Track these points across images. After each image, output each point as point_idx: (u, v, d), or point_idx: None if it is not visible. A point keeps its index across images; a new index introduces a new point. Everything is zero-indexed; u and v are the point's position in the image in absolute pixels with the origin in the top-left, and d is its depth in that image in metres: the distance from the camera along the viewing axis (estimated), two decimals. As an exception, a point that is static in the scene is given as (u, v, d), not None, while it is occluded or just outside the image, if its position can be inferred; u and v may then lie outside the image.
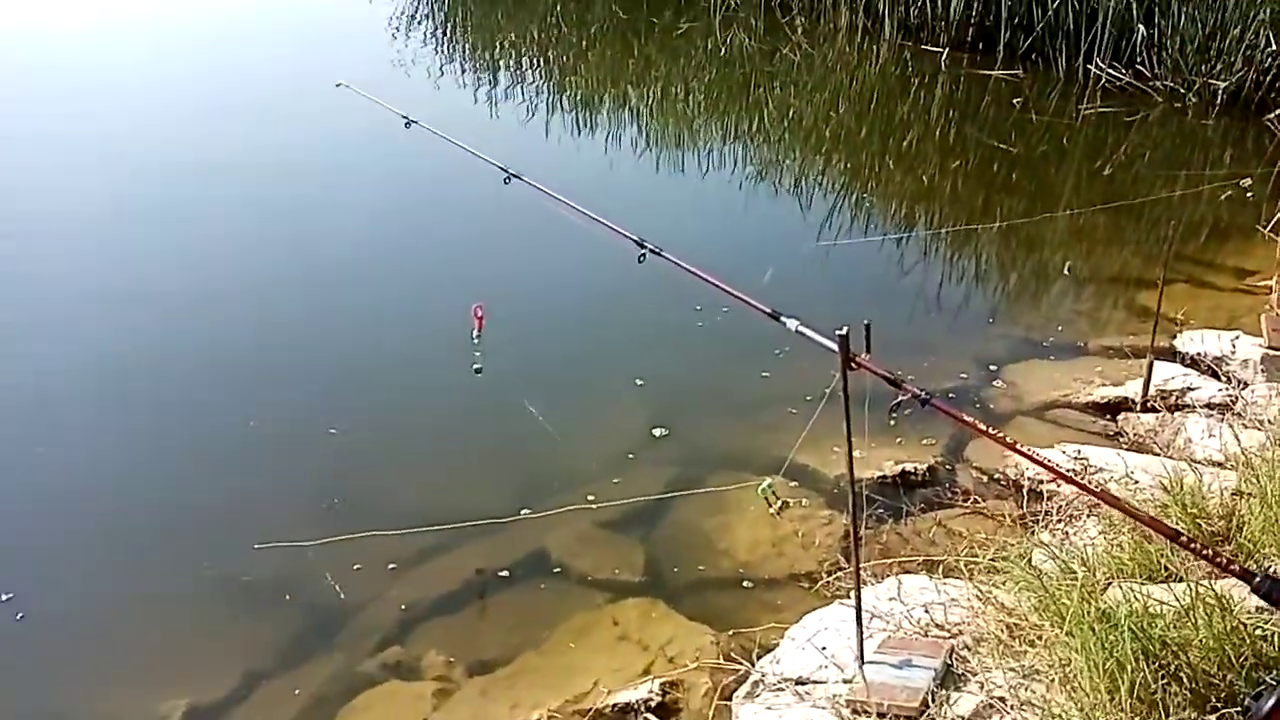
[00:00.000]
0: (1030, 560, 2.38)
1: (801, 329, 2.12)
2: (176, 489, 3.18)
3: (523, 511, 3.05)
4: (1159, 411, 3.48)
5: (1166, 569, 2.22)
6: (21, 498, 3.11)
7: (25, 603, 2.63)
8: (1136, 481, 2.79)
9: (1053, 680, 2.00)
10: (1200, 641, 1.88)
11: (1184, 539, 1.76)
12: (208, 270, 4.64)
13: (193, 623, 2.70)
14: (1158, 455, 3.06)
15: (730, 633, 2.57)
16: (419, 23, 10.39)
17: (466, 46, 9.89)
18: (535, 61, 9.34)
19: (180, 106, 7.10)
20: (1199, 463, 2.88)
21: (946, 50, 8.68)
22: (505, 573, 2.84)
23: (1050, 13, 8.20)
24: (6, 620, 2.59)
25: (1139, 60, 7.70)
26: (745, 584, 2.81)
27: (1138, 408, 3.54)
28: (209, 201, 5.41)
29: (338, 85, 3.59)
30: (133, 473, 3.25)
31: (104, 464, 3.27)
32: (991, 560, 2.48)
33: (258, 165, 6.01)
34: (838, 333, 2.00)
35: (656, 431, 3.47)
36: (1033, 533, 2.74)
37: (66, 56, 8.69)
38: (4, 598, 2.64)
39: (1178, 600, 1.96)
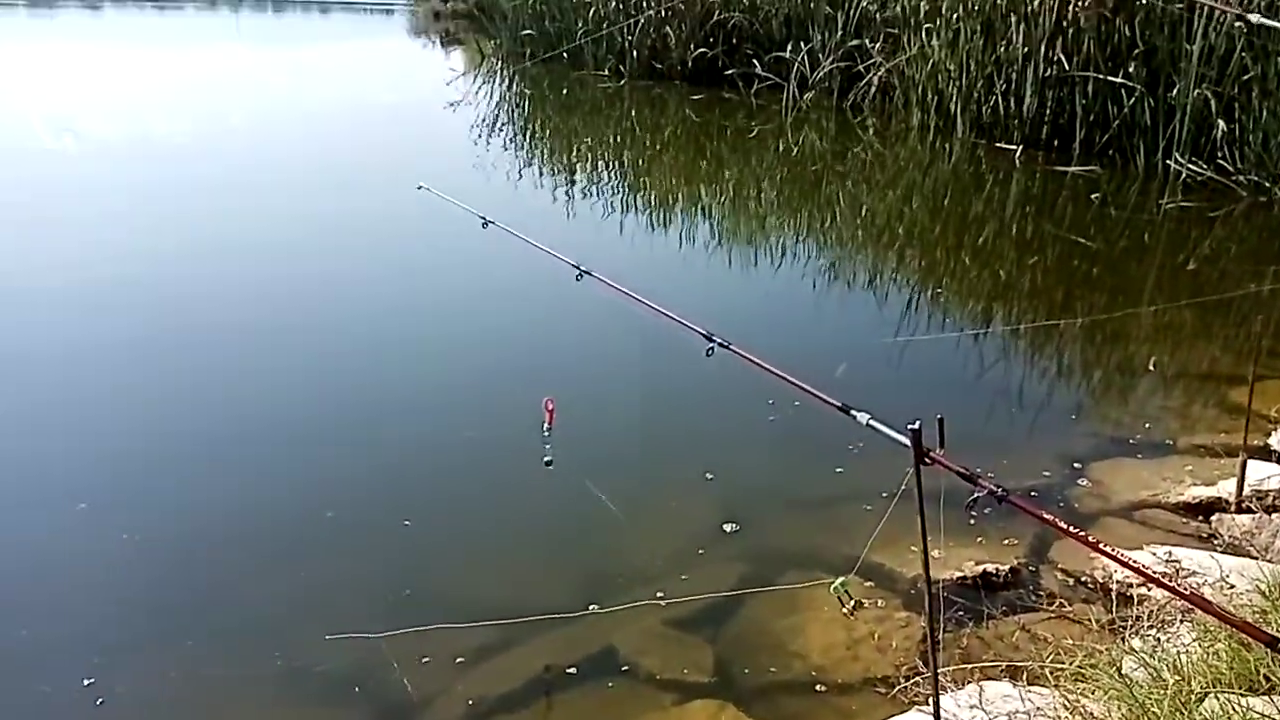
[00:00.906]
0: (1120, 668, 2.27)
1: (873, 423, 2.10)
2: (254, 577, 3.24)
3: (591, 607, 3.02)
4: (1255, 513, 3.32)
5: (1267, 679, 2.09)
6: (105, 583, 3.19)
7: (104, 688, 2.68)
8: (1232, 586, 2.65)
9: (1147, 798, 1.88)
10: (1309, 760, 1.75)
11: (1285, 647, 1.66)
12: (287, 363, 4.81)
13: (264, 711, 2.71)
14: (1255, 558, 2.91)
15: (802, 738, 2.48)
16: (499, 129, 10.83)
17: (545, 151, 10.26)
18: (611, 164, 9.63)
19: (271, 206, 7.47)
20: (1300, 567, 2.72)
21: (1021, 147, 8.71)
22: (572, 670, 2.80)
23: (1126, 109, 8.19)
24: (87, 705, 2.63)
25: (1220, 155, 7.61)
26: (818, 687, 2.71)
27: (1232, 508, 3.38)
28: (291, 295, 5.65)
29: (419, 188, 3.76)
30: (213, 561, 3.31)
31: (184, 550, 3.35)
32: (1079, 667, 2.36)
33: (338, 263, 6.28)
34: (910, 427, 1.97)
35: (727, 527, 3.43)
36: (1122, 639, 2.61)
37: (164, 159, 9.25)
38: (85, 683, 2.69)
39: (1281, 714, 1.84)
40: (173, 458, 3.94)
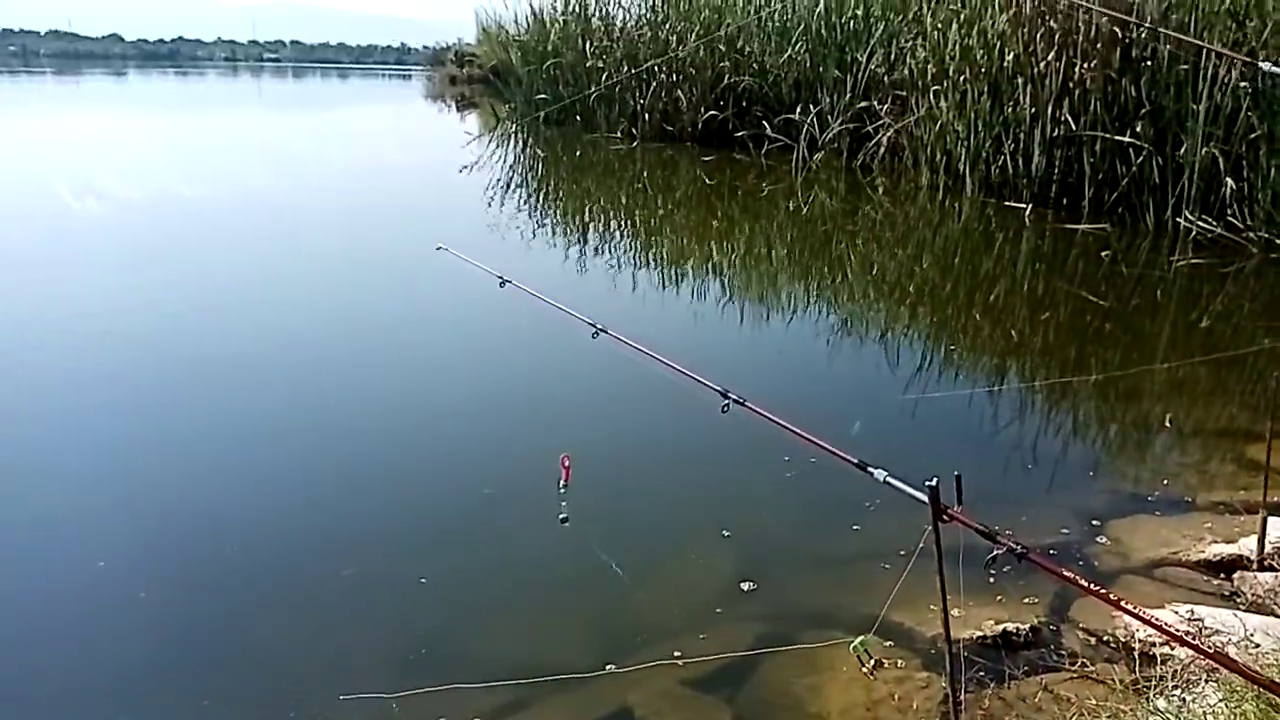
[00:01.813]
0: (1146, 729, 2.23)
1: (890, 480, 2.11)
2: (270, 635, 3.23)
3: (607, 667, 3.00)
4: (1277, 570, 3.28)
5: (1298, 741, 2.06)
6: (123, 641, 3.19)
7: (118, 749, 2.67)
8: (1257, 645, 2.62)
9: None
10: (1342, 823, 1.72)
11: (1313, 706, 1.64)
12: (306, 420, 4.84)
13: (277, 774, 2.69)
14: (1279, 617, 2.87)
15: (823, 802, 2.44)
16: (513, 191, 11.00)
17: (559, 211, 10.39)
18: (623, 224, 9.74)
19: (294, 268, 7.58)
20: (1326, 626, 2.69)
21: (1030, 206, 8.78)
22: (589, 731, 2.77)
23: (1135, 168, 8.27)
24: (99, 766, 2.62)
25: (1230, 212, 7.66)
26: (838, 749, 2.68)
27: (1254, 566, 3.35)
28: (313, 356, 5.70)
29: (438, 249, 3.83)
30: (229, 618, 3.31)
31: (203, 610, 3.34)
32: (1103, 729, 2.33)
33: (359, 323, 6.35)
34: (927, 484, 1.97)
35: (745, 585, 3.40)
36: (1147, 699, 2.57)
37: (186, 218, 9.41)
38: (99, 743, 2.68)
39: (1313, 776, 1.80)
40: (188, 514, 3.95)
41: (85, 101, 20.07)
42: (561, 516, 3.01)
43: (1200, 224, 7.75)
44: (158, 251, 8.15)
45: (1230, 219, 7.62)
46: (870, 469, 2.15)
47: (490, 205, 9.98)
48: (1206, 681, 2.54)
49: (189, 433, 4.64)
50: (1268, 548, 3.35)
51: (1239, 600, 3.21)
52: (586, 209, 10.37)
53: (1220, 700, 2.35)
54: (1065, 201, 8.81)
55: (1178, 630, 2.01)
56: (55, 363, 5.52)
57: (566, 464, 2.97)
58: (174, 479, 4.23)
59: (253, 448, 4.52)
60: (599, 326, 3.05)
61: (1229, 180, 7.64)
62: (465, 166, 11.98)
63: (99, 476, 4.24)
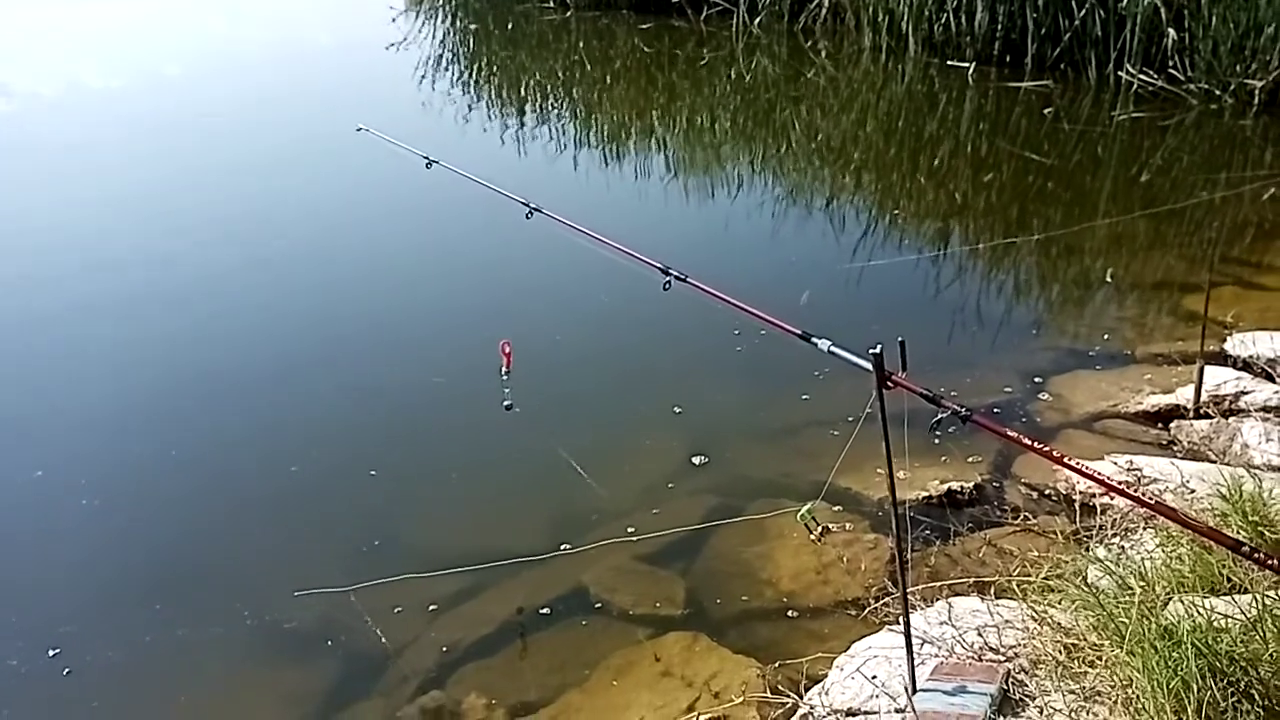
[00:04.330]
0: (1086, 577, 2.30)
1: (834, 349, 2.08)
2: (220, 537, 3.19)
3: (562, 547, 3.02)
4: (1213, 418, 3.37)
5: (1230, 580, 2.13)
6: (69, 551, 3.14)
7: (70, 657, 2.64)
8: (1193, 491, 2.70)
9: (1115, 702, 1.92)
10: (1270, 656, 1.79)
11: (1246, 549, 1.67)
12: (239, 318, 4.70)
13: (235, 671, 2.69)
14: (1214, 463, 2.95)
15: (776, 664, 2.50)
16: (445, 68, 10.54)
17: (493, 88, 10.01)
18: (561, 99, 9.42)
19: (205, 155, 7.25)
20: (1258, 468, 2.78)
21: (973, 65, 8.63)
22: (546, 610, 2.80)
23: (1077, 21, 8.13)
24: (54, 676, 2.59)
25: (1171, 64, 7.59)
26: (790, 613, 2.74)
27: (1190, 415, 3.43)
28: (235, 250, 5.49)
29: (358, 130, 3.65)
30: (177, 522, 3.26)
31: (149, 515, 3.30)
32: (1045, 579, 2.39)
33: (280, 212, 6.12)
34: (871, 352, 1.95)
35: (696, 459, 3.42)
36: (1087, 548, 2.65)
37: (100, 110, 8.93)
38: (50, 654, 2.65)
39: (1243, 613, 1.87)
40: (126, 419, 3.86)
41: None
42: (506, 404, 2.96)
43: (1141, 77, 7.69)
44: (74, 150, 7.72)
45: (1171, 71, 7.56)
46: (814, 339, 2.12)
47: (420, 85, 9.57)
48: (1144, 528, 2.61)
49: (115, 341, 4.48)
50: (1204, 395, 3.43)
51: (1176, 448, 3.31)
52: (521, 85, 9.99)
53: (1157, 545, 2.42)
54: (1008, 59, 8.66)
55: (1116, 481, 2.04)
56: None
57: (507, 350, 2.90)
58: (104, 385, 4.10)
59: (184, 350, 4.38)
60: (533, 206, 2.94)
61: (1170, 31, 7.55)
62: (392, 44, 11.44)
63: (27, 384, 4.10)
